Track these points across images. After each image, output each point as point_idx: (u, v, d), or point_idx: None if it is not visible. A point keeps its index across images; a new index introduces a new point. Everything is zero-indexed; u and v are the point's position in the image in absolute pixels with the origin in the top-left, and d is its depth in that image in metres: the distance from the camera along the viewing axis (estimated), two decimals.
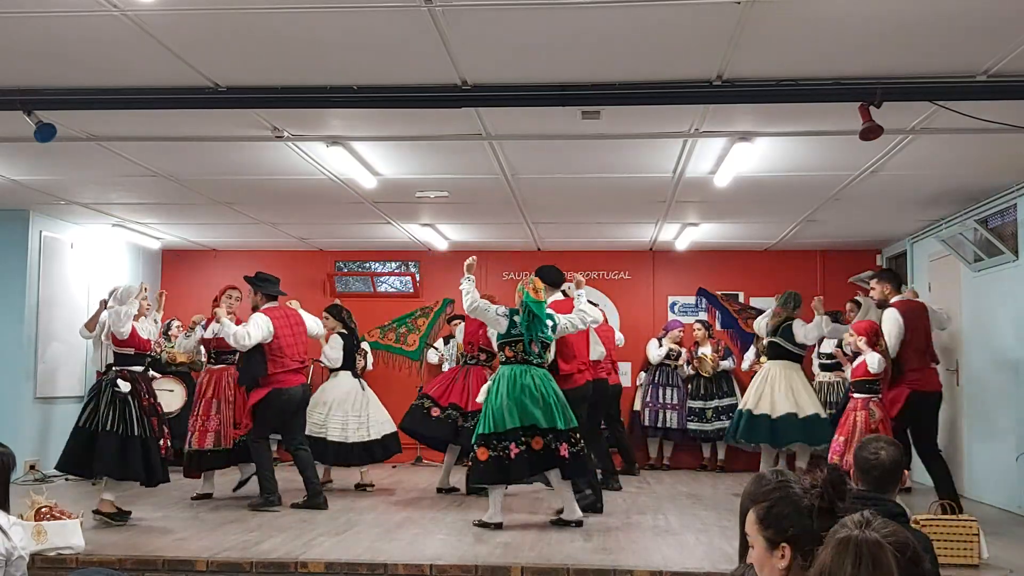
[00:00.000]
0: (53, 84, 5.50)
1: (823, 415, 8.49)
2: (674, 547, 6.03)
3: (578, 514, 6.70)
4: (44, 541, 5.47)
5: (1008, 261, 7.77)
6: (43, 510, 5.67)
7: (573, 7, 4.37)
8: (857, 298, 8.96)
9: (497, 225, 10.07)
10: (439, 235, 10.65)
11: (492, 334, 7.19)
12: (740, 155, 6.69)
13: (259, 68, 5.24)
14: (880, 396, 6.86)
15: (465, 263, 7.01)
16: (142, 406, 7.00)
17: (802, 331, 8.51)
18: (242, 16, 4.53)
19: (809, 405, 8.43)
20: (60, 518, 5.67)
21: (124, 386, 7.02)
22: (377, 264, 12.08)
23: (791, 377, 8.53)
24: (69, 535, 5.61)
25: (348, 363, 8.90)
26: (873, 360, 6.75)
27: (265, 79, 5.42)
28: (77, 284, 10.09)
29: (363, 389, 8.88)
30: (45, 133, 5.64)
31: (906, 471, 3.69)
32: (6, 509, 3.91)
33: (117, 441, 6.78)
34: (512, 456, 6.47)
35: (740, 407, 8.86)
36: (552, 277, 7.42)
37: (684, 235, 10.38)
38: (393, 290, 12.01)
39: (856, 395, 6.90)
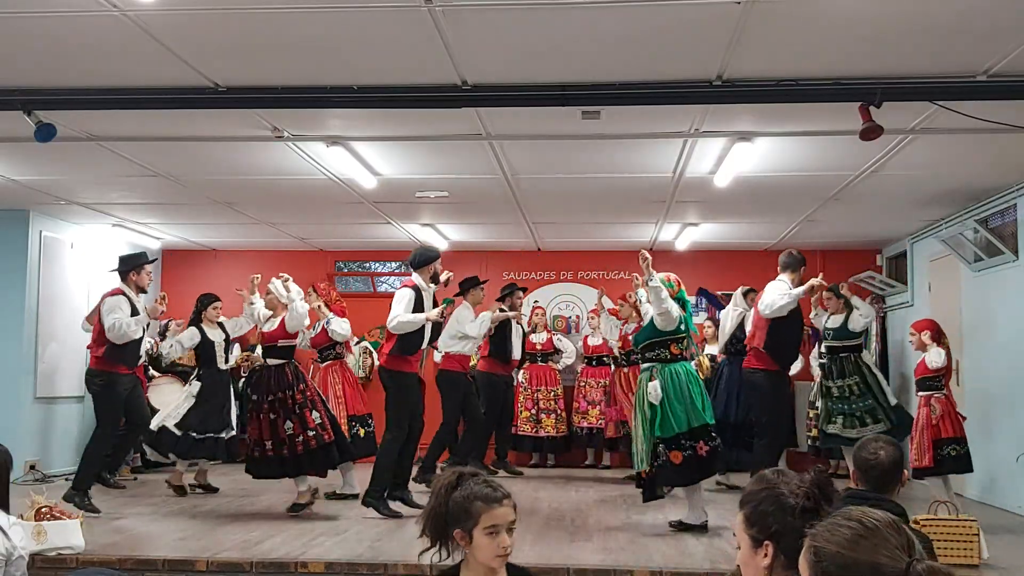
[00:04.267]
0: (53, 84, 5.51)
1: None
2: (674, 547, 6.03)
3: (704, 516, 6.59)
4: (44, 541, 5.47)
5: (1008, 261, 7.77)
6: (43, 510, 5.66)
7: (573, 7, 4.37)
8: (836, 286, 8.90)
9: (497, 225, 10.08)
10: (439, 235, 10.66)
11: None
12: (740, 155, 6.69)
13: (259, 68, 5.25)
14: (944, 392, 7.05)
15: (643, 262, 6.43)
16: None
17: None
18: (242, 16, 4.53)
19: None
20: (60, 518, 5.66)
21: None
22: (377, 264, 12.09)
23: None
24: (69, 535, 5.61)
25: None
26: (934, 356, 6.99)
27: (265, 79, 5.42)
28: (77, 284, 10.09)
29: None
30: (45, 133, 5.64)
31: (905, 471, 3.69)
32: (6, 509, 3.91)
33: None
34: (704, 453, 6.39)
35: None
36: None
37: (684, 235, 10.39)
38: (393, 290, 11.95)
39: (920, 393, 7.14)
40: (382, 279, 12.10)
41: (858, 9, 4.35)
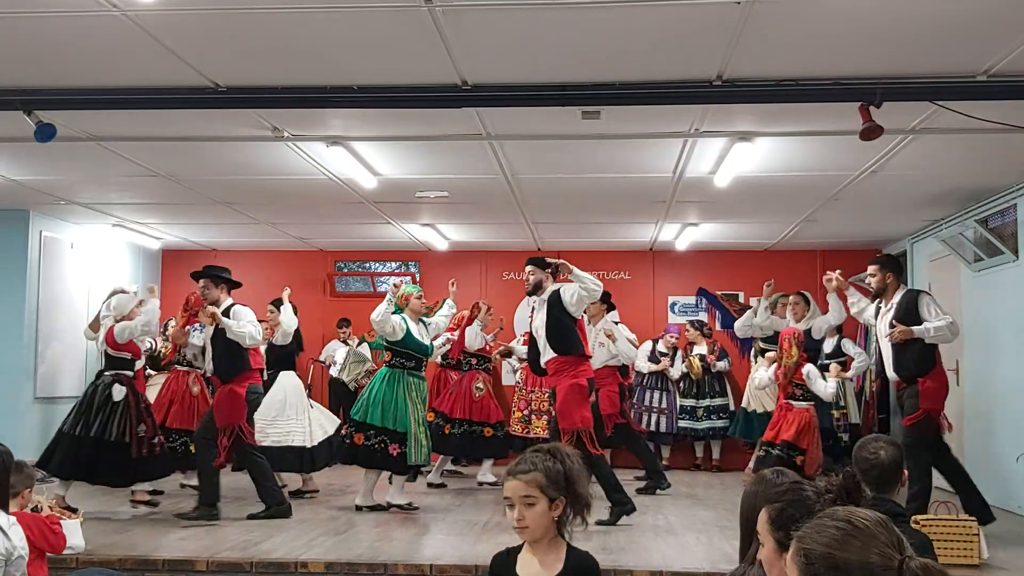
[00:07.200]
0: (53, 84, 5.50)
1: None
2: (674, 547, 6.04)
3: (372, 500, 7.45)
4: None
5: (1008, 261, 7.77)
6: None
7: (573, 7, 4.37)
8: (805, 292, 8.99)
9: (497, 225, 10.07)
10: (439, 235, 10.66)
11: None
12: (740, 155, 6.68)
13: (259, 68, 5.25)
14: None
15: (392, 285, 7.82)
16: (136, 411, 7.05)
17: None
18: (242, 16, 4.53)
19: None
20: (60, 518, 5.65)
21: (119, 392, 7.05)
22: (377, 264, 12.08)
23: None
24: (69, 535, 5.60)
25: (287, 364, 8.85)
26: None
27: (265, 79, 5.42)
28: (77, 284, 10.09)
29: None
30: (45, 133, 5.64)
31: (904, 471, 3.69)
32: (6, 509, 3.91)
33: (91, 444, 6.97)
34: (359, 442, 7.46)
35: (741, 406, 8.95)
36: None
37: (684, 235, 10.38)
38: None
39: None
40: (382, 279, 12.08)
41: (858, 9, 4.35)
